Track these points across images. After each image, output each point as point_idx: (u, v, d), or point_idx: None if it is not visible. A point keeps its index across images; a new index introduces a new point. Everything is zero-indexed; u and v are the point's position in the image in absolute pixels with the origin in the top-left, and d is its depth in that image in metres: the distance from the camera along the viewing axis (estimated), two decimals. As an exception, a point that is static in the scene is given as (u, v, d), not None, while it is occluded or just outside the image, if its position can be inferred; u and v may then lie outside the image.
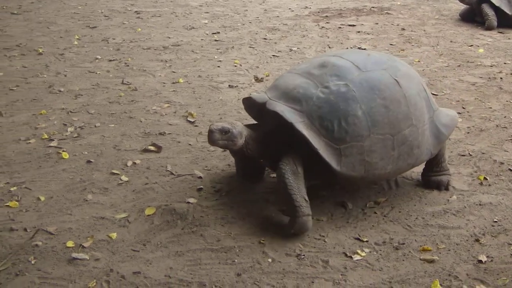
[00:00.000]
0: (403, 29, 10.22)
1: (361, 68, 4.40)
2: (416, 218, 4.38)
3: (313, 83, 4.35)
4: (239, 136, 4.25)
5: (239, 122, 4.35)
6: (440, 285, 3.64)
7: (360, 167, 4.20)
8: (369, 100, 4.24)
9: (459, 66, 8.07)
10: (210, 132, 4.18)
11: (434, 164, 4.76)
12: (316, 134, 4.16)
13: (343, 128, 4.16)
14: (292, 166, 4.15)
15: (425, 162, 4.72)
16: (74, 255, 3.96)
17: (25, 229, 4.27)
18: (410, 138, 4.34)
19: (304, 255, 3.95)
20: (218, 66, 8.16)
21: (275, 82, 4.64)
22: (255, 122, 4.81)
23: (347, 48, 9.05)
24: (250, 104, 4.69)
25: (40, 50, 9.04)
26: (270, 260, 3.91)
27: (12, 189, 4.84)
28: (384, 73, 4.41)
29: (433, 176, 4.79)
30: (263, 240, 4.11)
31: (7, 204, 4.61)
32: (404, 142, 4.31)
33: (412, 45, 9.19)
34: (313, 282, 3.69)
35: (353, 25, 10.50)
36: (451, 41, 9.38)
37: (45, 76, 7.84)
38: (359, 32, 10.05)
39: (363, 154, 4.19)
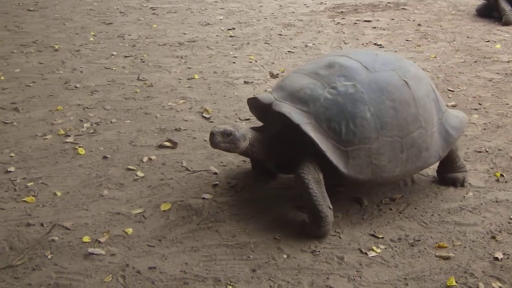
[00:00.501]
0: (419, 24, 10.17)
1: (370, 68, 4.34)
2: (432, 215, 4.36)
3: (320, 83, 4.28)
4: (241, 139, 4.20)
5: (243, 125, 4.34)
6: (456, 282, 3.63)
7: (368, 170, 4.14)
8: (377, 102, 4.17)
9: (475, 62, 8.01)
10: (212, 134, 4.14)
11: (448, 164, 4.72)
12: (324, 136, 4.10)
13: (351, 130, 4.10)
14: (313, 174, 4.07)
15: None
16: (90, 250, 3.98)
17: (42, 224, 4.30)
18: (419, 140, 4.27)
19: (319, 251, 3.95)
20: (234, 62, 8.16)
21: (281, 82, 4.58)
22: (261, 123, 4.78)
23: (363, 44, 9.02)
24: (256, 105, 4.61)
25: (56, 47, 9.09)
26: (285, 256, 3.92)
27: (29, 184, 4.87)
28: (393, 74, 4.35)
29: (448, 174, 4.76)
30: (278, 236, 4.12)
31: (24, 199, 4.64)
32: (413, 144, 4.24)
33: (428, 41, 9.14)
34: (328, 278, 3.69)
35: (369, 21, 10.46)
36: (467, 37, 9.32)
37: (61, 72, 7.88)
38: (374, 28, 10.01)
39: (371, 156, 4.12)
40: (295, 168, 4.20)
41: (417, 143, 4.26)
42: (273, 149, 4.41)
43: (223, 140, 4.15)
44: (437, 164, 4.75)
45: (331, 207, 4.07)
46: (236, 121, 5.96)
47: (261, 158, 4.48)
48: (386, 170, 4.19)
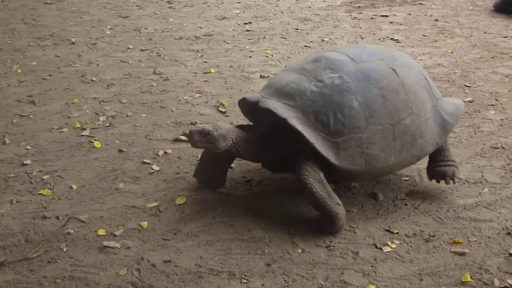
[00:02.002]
0: (436, 20, 10.10)
1: (356, 60, 4.30)
2: (447, 211, 4.34)
3: (306, 77, 4.25)
4: (221, 139, 4.11)
5: (227, 124, 4.24)
6: (471, 278, 3.61)
7: (361, 160, 4.08)
8: (364, 91, 4.13)
9: (492, 57, 7.95)
10: (190, 133, 4.08)
11: (437, 154, 4.60)
12: (312, 129, 4.05)
13: (340, 120, 4.05)
14: (314, 175, 4.03)
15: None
16: (106, 243, 4.00)
17: (58, 217, 4.33)
18: (411, 127, 4.21)
19: (334, 246, 3.95)
20: (250, 57, 8.15)
21: (268, 81, 4.54)
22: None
23: (379, 39, 8.98)
24: (245, 106, 4.55)
25: (73, 40, 9.12)
26: (300, 250, 3.91)
27: (45, 177, 4.90)
28: (380, 63, 4.31)
29: (437, 167, 4.60)
30: (293, 231, 4.12)
31: (40, 192, 4.67)
32: (405, 132, 4.18)
33: (445, 36, 9.09)
34: (342, 273, 3.68)
35: (386, 16, 10.41)
36: (485, 32, 9.25)
37: (77, 65, 7.91)
38: (391, 23, 9.96)
39: (362, 146, 4.07)
40: (290, 167, 4.20)
41: (410, 130, 4.20)
42: (264, 148, 4.34)
43: (200, 140, 4.08)
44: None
45: (339, 203, 4.04)
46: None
47: (251, 158, 4.44)
48: (380, 159, 4.13)
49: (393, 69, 4.28)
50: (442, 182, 4.58)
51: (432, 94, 4.46)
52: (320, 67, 4.29)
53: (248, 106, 4.50)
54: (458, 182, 4.62)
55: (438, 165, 4.60)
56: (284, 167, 4.43)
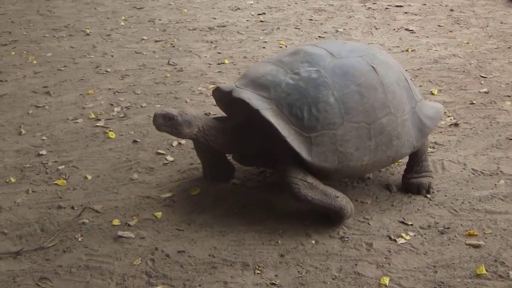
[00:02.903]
0: (451, 10, 10.03)
1: (335, 55, 4.19)
2: (462, 202, 4.32)
3: (283, 70, 4.14)
4: (185, 125, 4.02)
5: (196, 111, 4.15)
6: (486, 270, 3.59)
7: (333, 157, 3.96)
8: (342, 87, 4.01)
9: (509, 48, 7.88)
10: (154, 116, 4.01)
11: (415, 163, 4.50)
12: (285, 122, 3.93)
13: (314, 115, 3.93)
14: (303, 183, 3.93)
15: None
16: (120, 233, 4.02)
17: (73, 207, 4.35)
18: (388, 127, 4.08)
19: (347, 238, 3.94)
20: (264, 47, 8.14)
21: (245, 71, 4.42)
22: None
23: (394, 29, 8.93)
24: (220, 96, 4.41)
25: (88, 31, 9.14)
26: (313, 241, 3.91)
27: (60, 167, 4.93)
28: (359, 59, 4.20)
29: (413, 178, 4.48)
30: (306, 222, 4.11)
31: (55, 182, 4.70)
32: (381, 131, 4.06)
33: (461, 27, 9.02)
34: (356, 265, 3.68)
35: (401, 6, 10.34)
36: (501, 23, 9.17)
37: (92, 56, 7.93)
38: (406, 13, 9.90)
39: (336, 143, 3.95)
40: (261, 161, 4.18)
41: (387, 130, 4.09)
42: (236, 139, 4.25)
43: (164, 123, 4.00)
44: (402, 168, 4.63)
45: (338, 194, 3.99)
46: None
47: (221, 148, 4.34)
48: (354, 158, 4.01)
49: (372, 66, 4.17)
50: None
51: (412, 95, 4.34)
52: (297, 60, 4.18)
53: (223, 96, 4.35)
54: (433, 192, 4.46)
55: (413, 176, 4.48)
56: (255, 161, 4.36)
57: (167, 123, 4.01)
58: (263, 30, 9.06)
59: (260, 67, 4.32)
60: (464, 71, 7.00)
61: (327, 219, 4.10)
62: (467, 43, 8.14)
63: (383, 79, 4.15)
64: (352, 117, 3.99)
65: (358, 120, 4.01)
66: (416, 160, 4.50)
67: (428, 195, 4.41)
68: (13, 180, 4.74)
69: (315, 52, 4.23)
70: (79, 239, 3.98)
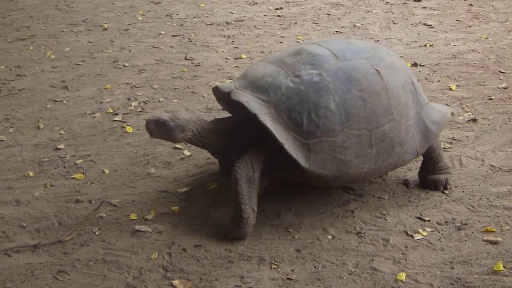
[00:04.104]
0: (470, 4, 9.96)
1: (339, 56, 4.05)
2: (480, 199, 4.29)
3: (284, 71, 4.01)
4: (177, 130, 3.92)
5: (189, 114, 4.06)
6: (503, 267, 3.57)
7: (332, 165, 3.84)
8: (344, 91, 3.88)
9: (528, 43, 7.83)
10: (146, 123, 3.91)
11: (430, 165, 4.42)
12: (283, 128, 3.82)
13: (314, 121, 3.81)
14: (248, 170, 3.84)
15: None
16: (137, 227, 4.03)
17: (90, 201, 4.38)
18: (390, 134, 3.97)
19: (364, 233, 3.93)
20: (281, 42, 8.13)
21: (245, 71, 4.31)
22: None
23: (412, 24, 8.89)
24: (219, 95, 4.30)
25: (105, 26, 9.18)
26: (330, 237, 3.91)
27: (78, 161, 4.95)
28: (364, 62, 4.05)
29: (430, 175, 4.42)
30: (323, 217, 4.11)
31: (73, 176, 4.73)
32: (383, 138, 3.95)
33: (480, 21, 8.96)
34: (373, 260, 3.67)
35: (419, 1, 10.29)
36: (520, 17, 9.11)
37: (110, 51, 7.96)
38: (424, 7, 9.85)
39: (335, 150, 3.83)
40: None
41: (389, 137, 3.97)
42: (234, 141, 4.16)
43: (156, 130, 3.90)
44: (418, 163, 4.59)
45: (255, 209, 3.86)
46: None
47: (218, 151, 4.27)
48: (353, 166, 3.90)
49: (377, 70, 4.02)
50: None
51: (418, 99, 4.20)
52: (300, 61, 4.04)
53: (222, 96, 4.25)
54: (450, 188, 4.42)
55: (431, 173, 4.43)
56: None
57: (160, 129, 3.91)
58: (280, 24, 9.05)
59: (260, 68, 4.18)
60: (482, 66, 6.96)
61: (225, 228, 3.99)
62: (486, 38, 8.08)
63: (387, 83, 4.02)
64: (353, 123, 3.87)
65: (359, 127, 3.89)
66: (431, 163, 4.41)
67: (446, 191, 4.38)
68: (31, 174, 4.77)
69: (318, 52, 4.08)
70: (97, 233, 4.00)
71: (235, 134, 4.16)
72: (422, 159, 4.49)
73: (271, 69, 4.09)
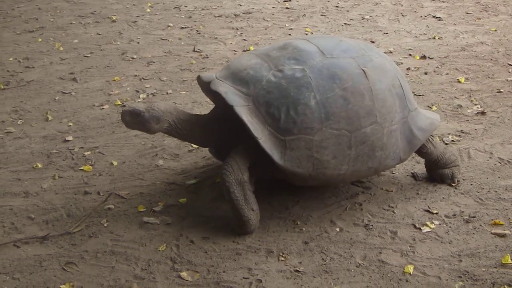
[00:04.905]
0: (480, -3, 9.92)
1: (326, 54, 3.95)
2: (488, 191, 4.28)
3: (267, 65, 3.93)
4: (153, 121, 3.87)
5: (166, 105, 4.02)
6: (511, 260, 3.57)
7: (308, 163, 3.76)
8: (326, 90, 3.79)
9: (538, 35, 7.79)
10: (121, 114, 3.90)
11: (432, 163, 4.36)
12: (260, 122, 3.76)
13: (292, 117, 3.74)
14: (236, 174, 3.78)
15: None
16: (145, 219, 4.04)
17: (99, 193, 4.39)
18: (372, 137, 3.88)
19: (372, 226, 3.93)
20: (289, 34, 8.11)
21: (229, 62, 4.19)
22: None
23: (421, 16, 8.85)
24: (202, 85, 4.24)
25: (114, 18, 9.18)
26: (338, 229, 3.91)
27: (86, 153, 4.97)
28: (351, 61, 3.95)
29: (436, 170, 4.37)
30: (331, 209, 4.11)
31: (82, 168, 4.74)
32: (364, 141, 3.85)
33: (489, 14, 8.91)
34: (380, 253, 3.67)
35: (428, -7, 10.25)
36: (530, 10, 9.06)
37: (118, 43, 7.97)
38: (433, 0, 9.80)
39: (311, 149, 3.75)
40: None
41: (370, 140, 3.88)
42: (212, 132, 4.12)
43: (132, 121, 3.86)
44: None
45: (254, 208, 3.83)
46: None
47: (195, 142, 4.27)
48: (330, 166, 3.82)
49: (363, 70, 3.93)
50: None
51: (405, 104, 4.10)
52: (284, 55, 3.96)
53: (203, 85, 4.19)
54: (458, 181, 4.39)
55: (438, 167, 4.37)
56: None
57: (135, 120, 3.87)
58: (289, 17, 9.03)
59: (244, 59, 4.11)
60: (491, 59, 6.92)
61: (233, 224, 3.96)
62: (495, 30, 8.05)
63: (373, 85, 3.92)
64: (332, 123, 3.79)
65: (339, 127, 3.81)
66: (433, 161, 4.36)
67: (453, 184, 4.37)
68: (40, 165, 4.79)
69: (305, 48, 4.00)
70: (105, 225, 4.02)
71: (214, 126, 4.11)
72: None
73: (255, 61, 4.02)
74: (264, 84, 3.84)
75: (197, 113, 4.25)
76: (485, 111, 5.53)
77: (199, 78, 4.21)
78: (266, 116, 3.78)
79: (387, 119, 3.95)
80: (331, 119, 3.79)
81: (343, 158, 3.84)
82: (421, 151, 4.31)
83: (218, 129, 4.11)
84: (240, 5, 9.77)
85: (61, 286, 3.43)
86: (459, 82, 6.25)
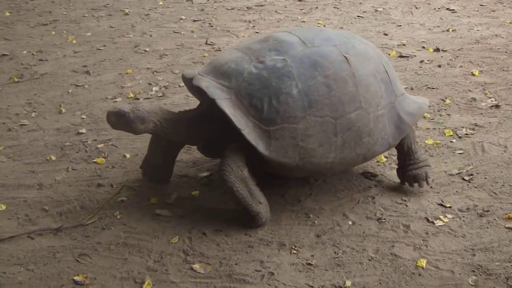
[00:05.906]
0: (494, -11, 9.85)
1: (307, 43, 3.95)
2: (503, 185, 4.26)
3: (248, 57, 3.93)
4: (138, 122, 3.86)
5: (151, 105, 4.02)
6: (526, 254, 3.55)
7: (294, 153, 3.74)
8: (307, 78, 3.78)
9: (553, 28, 7.73)
10: (107, 115, 3.88)
11: (406, 158, 4.25)
12: (243, 114, 3.74)
13: (274, 107, 3.72)
14: (236, 172, 3.76)
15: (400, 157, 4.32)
16: (158, 211, 4.06)
17: (112, 185, 4.40)
18: (357, 123, 3.84)
19: (385, 219, 3.92)
20: (302, 27, 8.09)
21: (212, 58, 4.16)
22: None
23: (435, 9, 8.80)
24: (187, 82, 4.19)
25: (126, 11, 9.19)
26: (350, 222, 3.90)
27: (99, 146, 4.98)
28: (333, 49, 3.94)
29: (408, 171, 4.24)
30: (343, 203, 4.10)
31: (95, 160, 4.76)
32: (349, 127, 3.82)
33: (504, 6, 8.85)
34: (393, 246, 3.66)
35: (442, -15, 10.19)
36: (545, 2, 8.98)
37: (131, 36, 7.98)
38: (447, -8, 9.75)
39: (296, 138, 3.73)
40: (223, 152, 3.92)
41: (356, 126, 3.84)
42: (197, 130, 4.08)
43: (117, 121, 3.86)
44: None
45: (262, 201, 3.84)
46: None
47: (182, 140, 4.24)
48: (317, 154, 3.79)
49: (345, 57, 3.91)
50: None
51: (392, 89, 4.06)
52: (265, 47, 3.96)
53: (188, 83, 4.15)
54: (432, 182, 4.31)
55: (409, 169, 4.25)
56: (218, 152, 4.05)
57: (120, 121, 3.86)
58: (301, 9, 9.01)
59: (226, 54, 4.13)
60: (506, 52, 6.88)
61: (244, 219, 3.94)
62: (510, 23, 7.99)
63: (356, 71, 3.90)
64: (315, 110, 3.77)
65: (323, 114, 3.78)
66: (405, 155, 4.26)
67: (428, 185, 4.24)
68: (53, 158, 4.81)
69: (286, 39, 4.00)
70: (118, 217, 4.03)
71: (200, 123, 4.09)
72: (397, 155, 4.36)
73: (236, 55, 4.01)
74: (246, 76, 3.83)
75: (183, 110, 4.20)
76: (500, 104, 5.50)
77: (183, 76, 4.20)
78: (249, 108, 3.77)
79: (372, 104, 3.92)
80: (314, 107, 3.77)
81: (330, 145, 3.81)
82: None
83: (204, 126, 4.08)
84: (253, -2, 9.76)
85: (74, 277, 3.44)
86: (473, 75, 6.22)
